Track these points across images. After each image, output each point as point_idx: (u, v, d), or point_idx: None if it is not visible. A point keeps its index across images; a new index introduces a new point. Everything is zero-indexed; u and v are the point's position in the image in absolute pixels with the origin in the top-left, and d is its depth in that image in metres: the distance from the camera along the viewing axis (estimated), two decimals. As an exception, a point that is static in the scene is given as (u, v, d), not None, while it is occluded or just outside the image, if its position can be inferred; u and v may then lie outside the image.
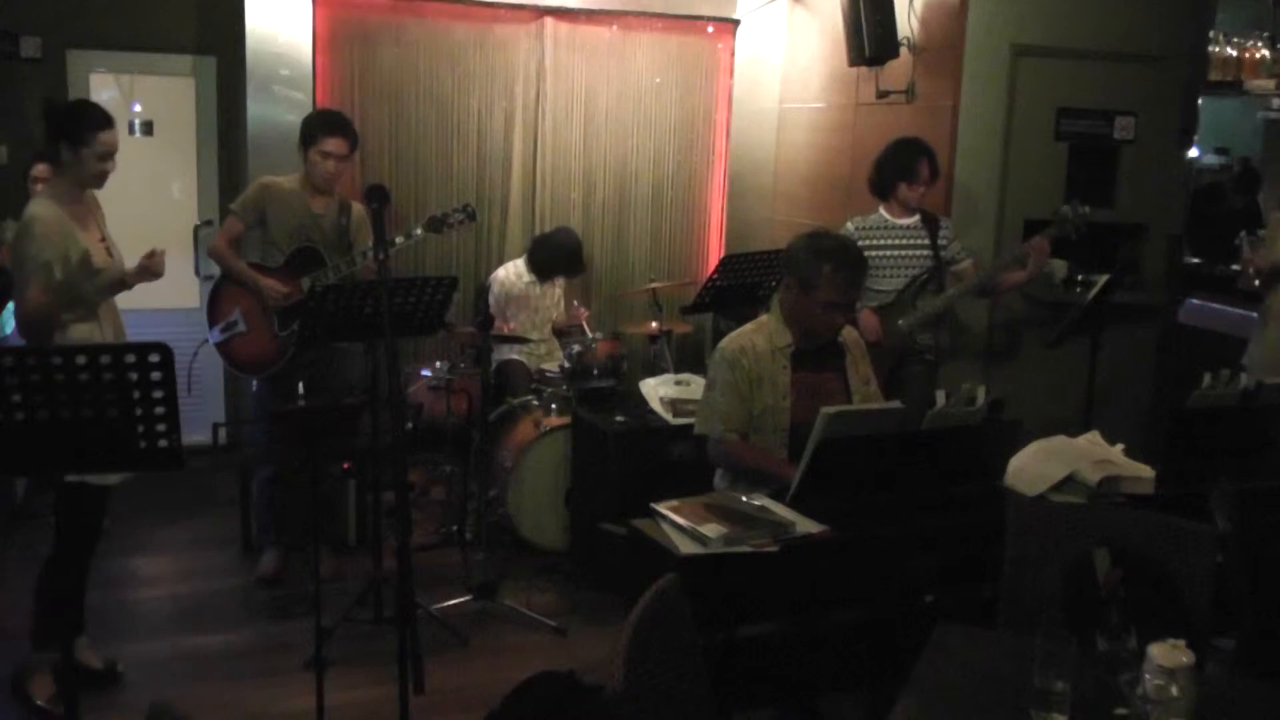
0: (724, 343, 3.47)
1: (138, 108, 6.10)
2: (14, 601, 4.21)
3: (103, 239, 3.63)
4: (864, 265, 3.46)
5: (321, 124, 4.48)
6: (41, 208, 3.48)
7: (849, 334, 3.57)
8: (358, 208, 4.59)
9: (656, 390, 4.69)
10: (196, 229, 6.13)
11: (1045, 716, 2.02)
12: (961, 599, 2.96)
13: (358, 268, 4.40)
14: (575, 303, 5.69)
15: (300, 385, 3.73)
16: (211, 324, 4.51)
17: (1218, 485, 2.97)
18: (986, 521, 2.92)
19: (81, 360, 2.39)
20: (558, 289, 5.67)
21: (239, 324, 4.47)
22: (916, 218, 4.63)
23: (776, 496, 3.08)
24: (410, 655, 3.07)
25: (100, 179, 3.60)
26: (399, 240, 4.50)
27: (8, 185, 5.39)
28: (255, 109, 5.61)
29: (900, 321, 4.52)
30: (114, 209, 5.87)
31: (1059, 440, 3.33)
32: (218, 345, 4.51)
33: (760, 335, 3.44)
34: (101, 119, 3.52)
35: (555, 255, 5.52)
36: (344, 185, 4.76)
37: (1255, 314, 4.97)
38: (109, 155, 3.54)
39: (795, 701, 3.07)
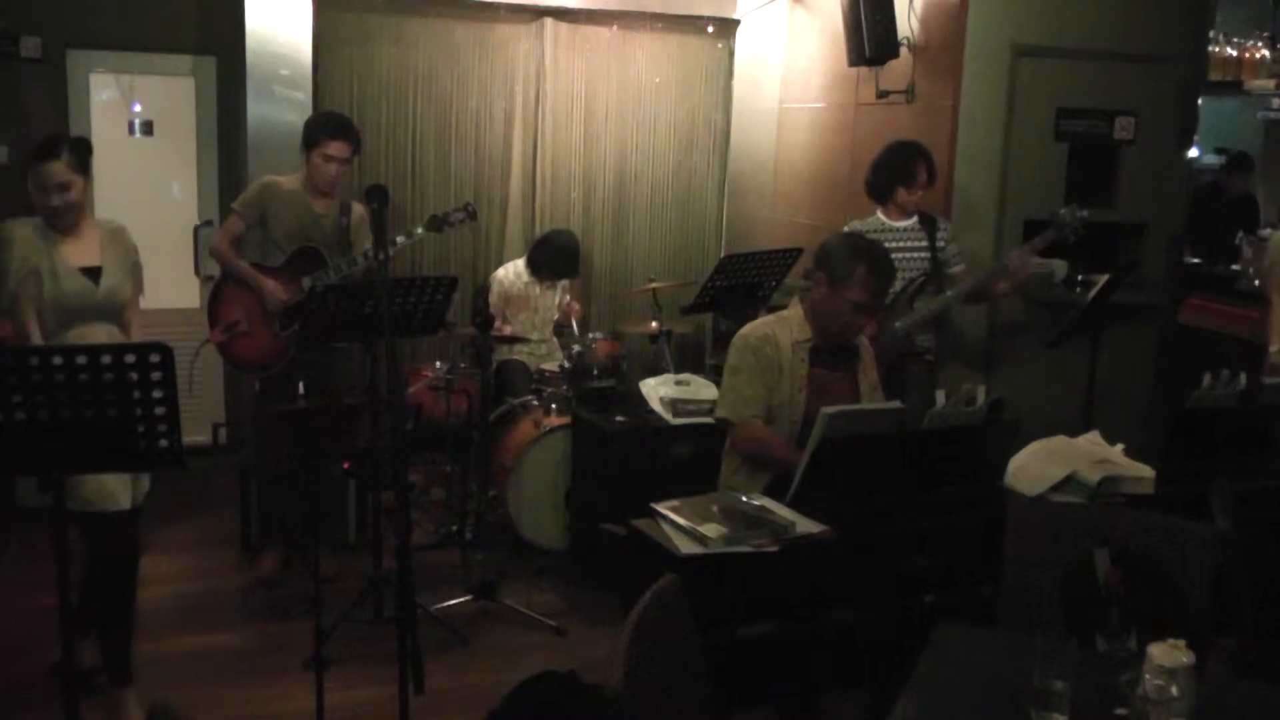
0: (746, 329, 3.49)
1: (138, 108, 6.10)
2: (12, 602, 4.22)
3: (93, 268, 3.41)
4: (894, 275, 3.49)
5: (324, 127, 4.47)
6: (15, 221, 3.39)
7: (862, 339, 3.60)
8: (358, 208, 4.59)
9: (656, 390, 4.69)
10: (196, 229, 6.13)
11: (1045, 716, 2.02)
12: (961, 599, 2.96)
13: (358, 268, 4.40)
14: (569, 298, 5.69)
15: (300, 385, 3.73)
16: (213, 324, 4.50)
17: (1218, 485, 2.97)
18: (986, 521, 2.92)
19: (82, 360, 2.39)
20: (559, 289, 5.67)
21: (240, 323, 4.47)
22: (914, 219, 4.63)
23: (776, 492, 3.08)
24: (410, 655, 3.07)
25: (46, 213, 3.34)
26: (399, 239, 4.50)
27: (8, 186, 5.39)
28: (255, 109, 5.61)
29: (897, 324, 4.52)
30: (114, 209, 5.93)
31: (1059, 440, 3.34)
32: (219, 345, 4.50)
33: (781, 328, 3.46)
34: (41, 149, 3.31)
35: (554, 256, 5.52)
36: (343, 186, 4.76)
37: (1256, 314, 4.96)
38: (41, 187, 3.29)
39: (795, 701, 3.07)
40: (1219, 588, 2.62)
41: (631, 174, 6.42)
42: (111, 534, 3.40)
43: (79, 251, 3.44)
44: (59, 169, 3.31)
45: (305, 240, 4.46)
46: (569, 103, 6.18)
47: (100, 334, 3.42)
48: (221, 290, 4.53)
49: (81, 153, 3.39)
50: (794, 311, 3.50)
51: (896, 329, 4.51)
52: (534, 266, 5.56)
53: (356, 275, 4.38)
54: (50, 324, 3.36)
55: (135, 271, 3.59)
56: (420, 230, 4.56)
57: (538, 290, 5.58)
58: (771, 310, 4.01)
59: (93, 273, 3.43)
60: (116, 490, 3.36)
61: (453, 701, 3.67)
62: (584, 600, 4.50)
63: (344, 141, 4.45)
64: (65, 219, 3.38)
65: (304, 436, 4.26)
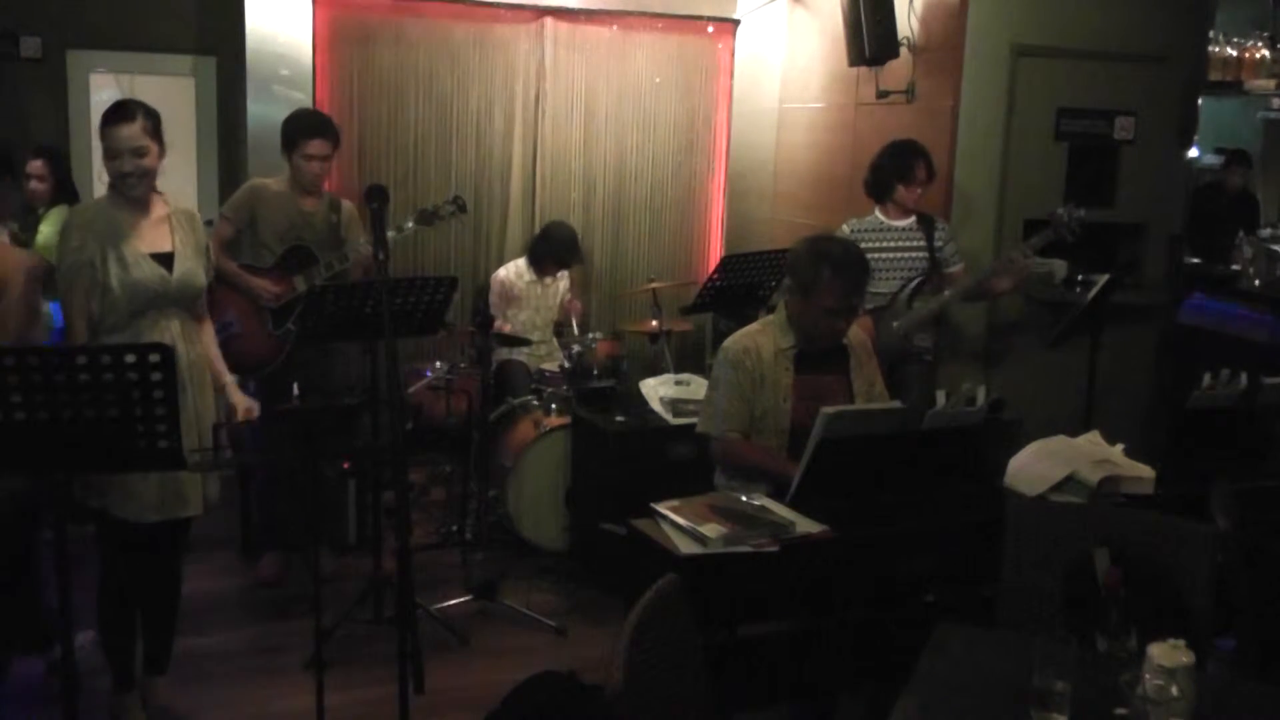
0: (728, 342, 3.47)
1: (137, 108, 6.09)
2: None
3: (165, 254, 3.27)
4: (865, 271, 3.42)
5: (302, 127, 4.46)
6: (84, 204, 3.29)
7: (854, 336, 3.56)
8: (348, 205, 4.61)
9: (656, 390, 4.69)
10: (196, 229, 6.12)
11: (1045, 716, 2.02)
12: (961, 599, 2.96)
13: (349, 264, 4.40)
14: (570, 296, 5.69)
15: (295, 386, 3.72)
16: None
17: (1218, 485, 2.97)
18: (986, 521, 2.92)
19: (82, 360, 2.39)
20: (561, 283, 5.67)
21: (234, 325, 4.45)
22: (912, 219, 4.63)
23: (776, 496, 3.08)
24: (410, 655, 3.07)
25: (119, 182, 3.22)
26: (390, 234, 4.48)
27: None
28: (255, 109, 5.61)
29: (895, 323, 4.52)
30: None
31: (1059, 440, 3.33)
32: None
33: (764, 336, 3.44)
34: (114, 112, 3.23)
35: (555, 246, 5.54)
36: (332, 184, 4.75)
37: (1256, 314, 4.97)
38: (115, 153, 3.19)
39: (795, 701, 3.07)
40: (1219, 588, 2.62)
41: (631, 174, 6.42)
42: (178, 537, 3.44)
43: (149, 236, 3.27)
44: (135, 132, 3.17)
45: (296, 240, 4.46)
46: (569, 103, 6.19)
47: (174, 324, 3.27)
48: (214, 293, 4.49)
49: (156, 120, 3.26)
50: (778, 317, 3.48)
51: (895, 329, 4.51)
52: (536, 261, 5.56)
53: (349, 270, 4.39)
54: (120, 314, 3.20)
55: (206, 255, 3.44)
56: (411, 224, 4.56)
57: (539, 289, 5.59)
58: (772, 310, 4.01)
59: (165, 259, 3.26)
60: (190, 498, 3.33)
61: (453, 701, 3.67)
62: (584, 600, 4.50)
63: (322, 139, 4.45)
64: (139, 189, 3.21)
65: (304, 436, 4.26)
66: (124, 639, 3.43)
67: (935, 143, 4.80)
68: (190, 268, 3.32)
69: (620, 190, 6.41)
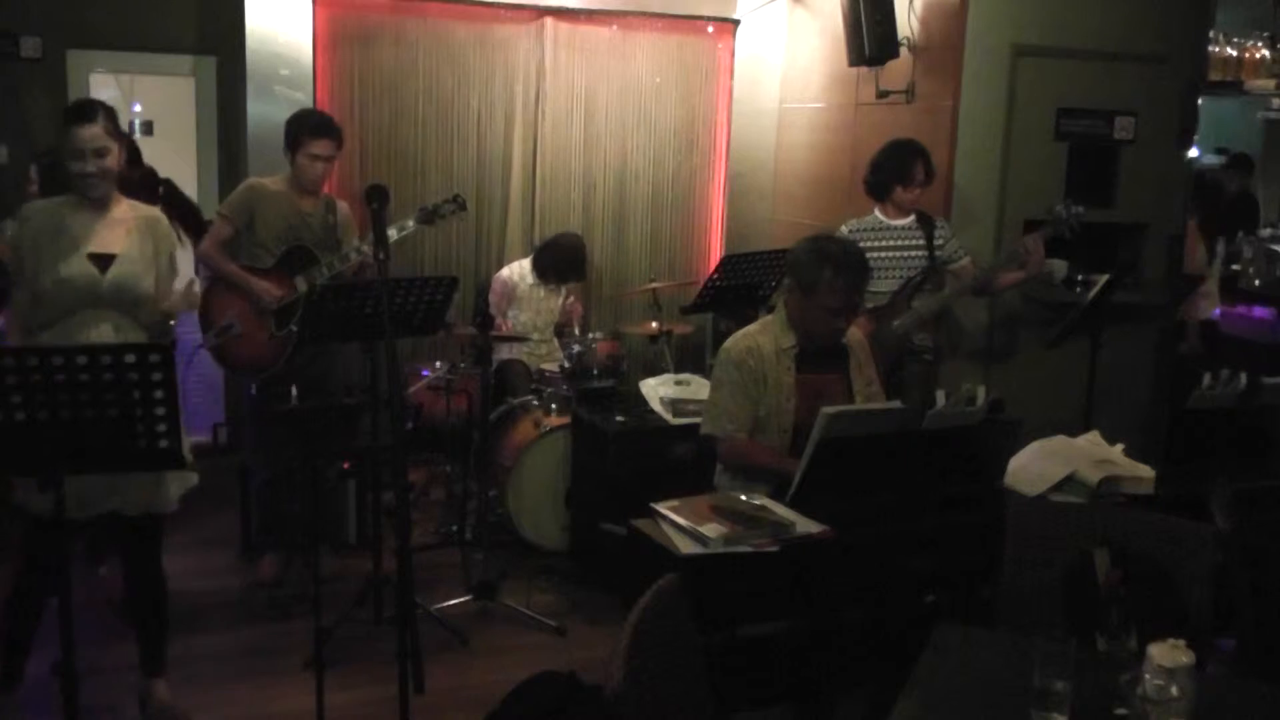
0: (729, 343, 3.48)
1: (138, 108, 6.10)
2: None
3: (107, 255, 3.26)
4: (866, 270, 3.44)
5: (308, 127, 4.46)
6: (38, 202, 3.30)
7: (853, 335, 3.58)
8: (343, 205, 4.61)
9: (656, 390, 4.69)
10: (196, 229, 6.12)
11: (1045, 716, 2.02)
12: (961, 599, 2.97)
13: (350, 264, 4.40)
14: (571, 298, 5.69)
15: (293, 387, 3.72)
16: (205, 328, 4.46)
17: (1218, 485, 2.97)
18: (986, 521, 2.92)
19: (82, 360, 2.39)
20: (562, 291, 5.67)
21: (234, 327, 4.42)
22: (912, 218, 4.63)
23: (777, 496, 3.08)
24: (410, 655, 3.07)
25: (81, 182, 3.21)
26: (391, 233, 4.47)
27: (8, 185, 5.39)
28: (255, 109, 5.61)
29: (896, 322, 4.52)
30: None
31: (1059, 440, 3.34)
32: (213, 350, 4.47)
33: (765, 336, 3.45)
34: (75, 112, 3.21)
35: (560, 260, 5.53)
36: (332, 184, 4.75)
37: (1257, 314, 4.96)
38: (77, 154, 3.18)
39: (795, 701, 3.07)
40: (1219, 588, 2.62)
41: (631, 174, 6.42)
42: (140, 536, 3.42)
43: (102, 236, 3.27)
44: (96, 133, 3.18)
45: (295, 240, 4.45)
46: (569, 103, 6.19)
47: (105, 325, 3.25)
48: (212, 294, 4.47)
49: (115, 119, 3.26)
50: (778, 317, 3.49)
51: (895, 328, 4.51)
52: (540, 270, 5.56)
53: (347, 271, 4.39)
54: (51, 310, 3.21)
55: (167, 264, 3.40)
56: (411, 223, 4.56)
57: (541, 292, 5.58)
58: (772, 310, 4.01)
59: (105, 260, 3.25)
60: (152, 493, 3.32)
61: (453, 701, 3.67)
62: (584, 600, 4.50)
63: (328, 139, 4.45)
64: (100, 189, 3.23)
65: (303, 437, 4.26)
66: (21, 636, 3.39)
67: (935, 143, 4.80)
68: (130, 271, 3.28)
69: (620, 190, 6.41)
